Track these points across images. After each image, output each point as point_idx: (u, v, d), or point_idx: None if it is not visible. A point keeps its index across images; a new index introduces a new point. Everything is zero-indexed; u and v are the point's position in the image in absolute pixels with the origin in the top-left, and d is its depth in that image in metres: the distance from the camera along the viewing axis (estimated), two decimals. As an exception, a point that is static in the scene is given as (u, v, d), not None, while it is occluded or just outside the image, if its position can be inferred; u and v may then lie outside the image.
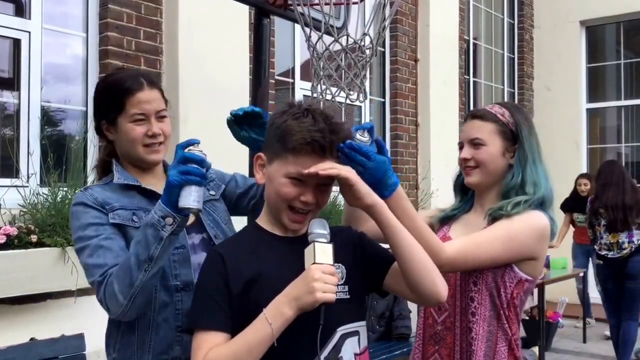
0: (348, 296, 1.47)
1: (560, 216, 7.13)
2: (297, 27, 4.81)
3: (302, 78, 5.19)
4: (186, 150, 1.51)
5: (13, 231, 2.97)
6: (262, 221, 1.55)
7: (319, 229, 1.40)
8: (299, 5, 2.72)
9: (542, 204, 1.85)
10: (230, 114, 1.89)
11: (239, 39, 4.28)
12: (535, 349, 5.65)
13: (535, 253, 1.84)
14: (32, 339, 2.82)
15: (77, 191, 1.74)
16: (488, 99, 8.16)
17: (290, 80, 5.17)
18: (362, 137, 1.59)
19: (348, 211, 1.87)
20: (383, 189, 1.61)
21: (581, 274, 6.59)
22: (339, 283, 1.41)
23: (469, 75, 7.66)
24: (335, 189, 1.54)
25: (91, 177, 3.24)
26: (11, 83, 3.48)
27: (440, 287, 1.48)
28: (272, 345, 1.34)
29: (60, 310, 3.13)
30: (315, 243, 1.37)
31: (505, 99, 8.49)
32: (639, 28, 8.69)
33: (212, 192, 1.84)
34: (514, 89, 8.68)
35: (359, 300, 1.54)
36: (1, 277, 2.84)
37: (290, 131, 1.42)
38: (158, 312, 1.63)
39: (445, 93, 6.60)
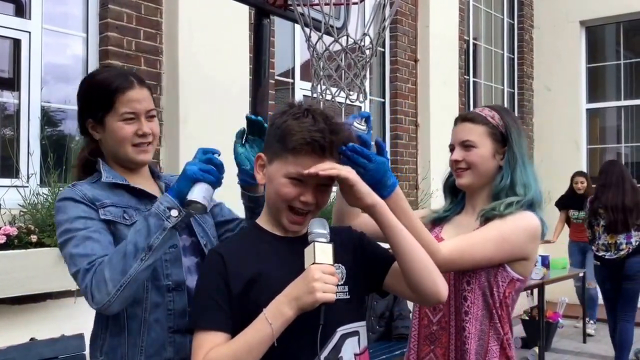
0: (348, 296, 1.47)
1: (555, 214, 7.17)
2: (297, 27, 4.81)
3: (302, 78, 5.19)
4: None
5: (13, 231, 2.97)
6: (262, 221, 1.55)
7: (319, 228, 1.40)
8: (299, 5, 2.72)
9: (531, 205, 1.88)
10: (247, 118, 1.80)
11: (239, 39, 4.29)
12: (536, 349, 5.65)
13: (527, 253, 1.88)
14: (32, 339, 2.82)
15: (61, 188, 1.71)
16: (488, 99, 8.16)
17: (290, 80, 5.17)
18: (359, 126, 1.60)
19: (338, 207, 1.89)
20: (382, 189, 1.63)
21: (581, 274, 6.59)
22: (339, 283, 1.41)
23: (468, 75, 7.66)
24: (335, 189, 1.54)
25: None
26: (11, 83, 3.48)
27: (440, 286, 1.48)
28: (272, 345, 1.34)
29: (60, 310, 3.13)
30: (315, 243, 1.37)
31: (505, 99, 8.50)
32: (639, 28, 8.69)
33: None
34: (513, 89, 8.68)
35: (359, 301, 1.54)
36: (1, 277, 2.85)
37: (290, 131, 1.42)
38: (150, 312, 1.61)
39: (445, 93, 6.60)
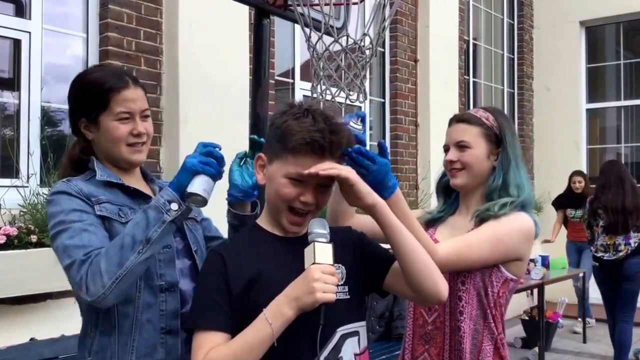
0: (348, 296, 1.47)
1: (552, 214, 7.18)
2: (297, 27, 4.81)
3: (302, 78, 5.19)
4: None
5: (13, 231, 2.97)
6: (262, 221, 1.55)
7: (318, 228, 1.40)
8: (299, 5, 2.72)
9: (524, 207, 1.90)
10: (250, 139, 1.79)
11: (239, 39, 4.29)
12: (536, 349, 5.65)
13: (522, 254, 1.90)
14: (32, 339, 2.82)
15: (56, 183, 1.69)
16: (488, 99, 8.16)
17: (290, 80, 5.17)
18: (355, 125, 1.61)
19: (332, 207, 1.89)
20: (383, 190, 1.64)
21: (580, 274, 6.59)
22: (339, 283, 1.41)
23: (468, 75, 7.66)
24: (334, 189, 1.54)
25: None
26: (11, 83, 3.48)
27: (441, 286, 1.48)
28: (272, 345, 1.34)
29: (60, 310, 3.13)
30: (315, 243, 1.37)
31: (505, 100, 8.51)
32: (639, 28, 8.69)
33: (195, 215, 1.81)
34: (513, 89, 8.68)
35: (359, 301, 1.54)
36: (1, 277, 2.85)
37: (290, 131, 1.42)
38: (142, 312, 1.59)
39: (445, 93, 6.60)
